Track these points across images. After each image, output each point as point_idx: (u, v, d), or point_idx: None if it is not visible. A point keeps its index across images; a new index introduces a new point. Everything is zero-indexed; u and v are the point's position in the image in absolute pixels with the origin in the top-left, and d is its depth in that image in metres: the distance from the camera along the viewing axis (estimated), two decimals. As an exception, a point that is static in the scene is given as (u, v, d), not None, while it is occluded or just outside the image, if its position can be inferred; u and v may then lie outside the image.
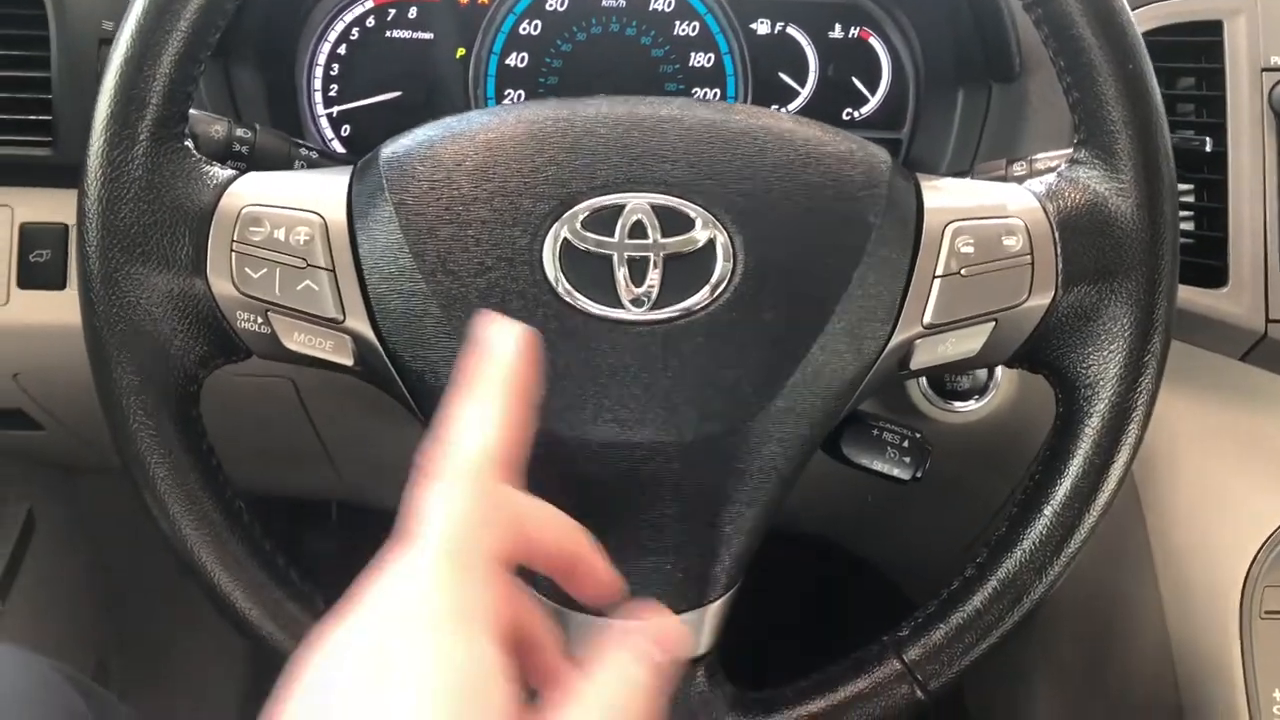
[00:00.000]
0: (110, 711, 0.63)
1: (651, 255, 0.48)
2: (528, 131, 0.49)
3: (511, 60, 0.80)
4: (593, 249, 0.48)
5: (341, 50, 0.80)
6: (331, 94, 0.81)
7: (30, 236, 0.74)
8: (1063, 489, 0.52)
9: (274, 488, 0.98)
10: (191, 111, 0.60)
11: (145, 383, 0.49)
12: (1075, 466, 0.51)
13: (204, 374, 0.51)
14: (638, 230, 0.48)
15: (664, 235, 0.48)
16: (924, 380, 0.76)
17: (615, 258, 0.47)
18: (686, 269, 0.48)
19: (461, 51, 0.80)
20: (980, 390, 0.76)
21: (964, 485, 0.86)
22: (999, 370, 0.75)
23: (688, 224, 0.48)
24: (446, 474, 0.35)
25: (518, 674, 0.34)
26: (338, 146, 0.81)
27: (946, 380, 0.76)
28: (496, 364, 0.38)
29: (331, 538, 1.22)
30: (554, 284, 0.47)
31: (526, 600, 0.38)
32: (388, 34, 0.80)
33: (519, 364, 0.38)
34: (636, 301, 0.47)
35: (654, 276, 0.48)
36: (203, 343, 0.50)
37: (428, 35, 0.80)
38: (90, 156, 0.48)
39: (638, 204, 0.48)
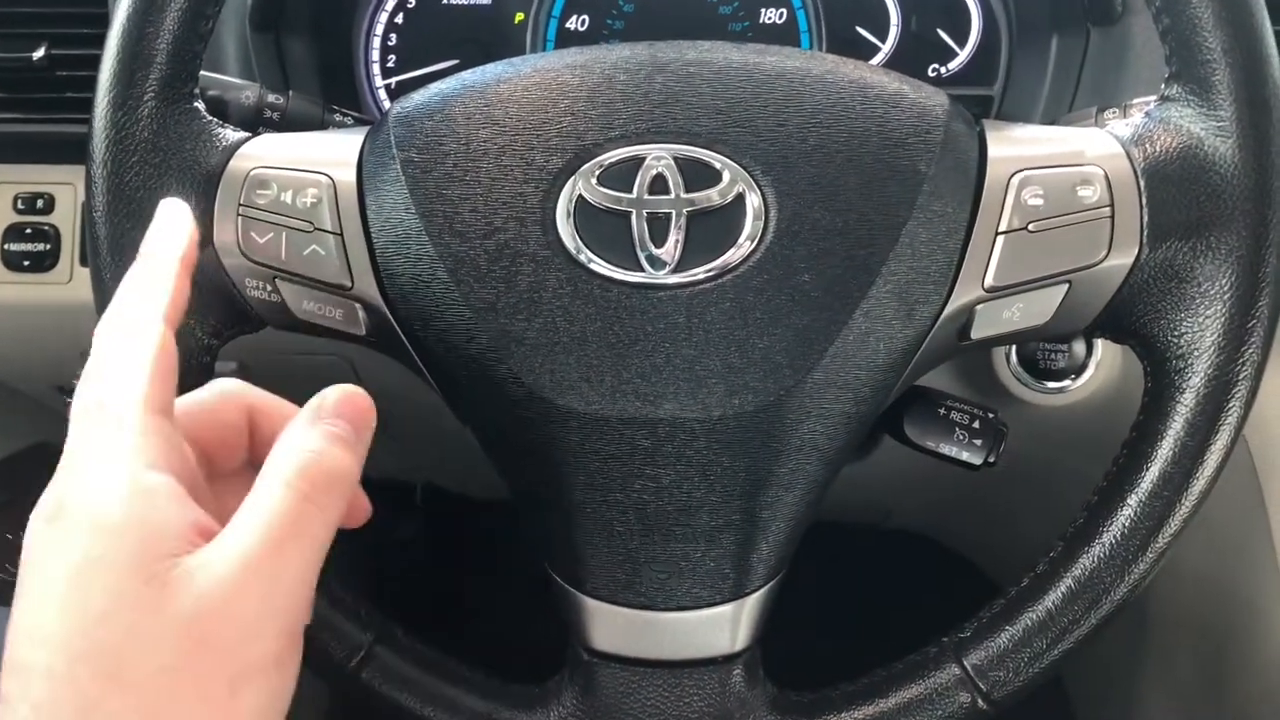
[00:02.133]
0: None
1: (673, 212, 0.43)
2: (541, 81, 0.45)
3: (571, 23, 0.77)
4: (610, 206, 0.44)
5: (399, 19, 0.78)
6: (389, 64, 0.79)
7: (92, 214, 0.74)
8: (1150, 475, 0.45)
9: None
10: (220, 77, 0.59)
11: None
12: (1165, 449, 0.45)
13: (218, 345, 0.50)
14: (659, 185, 0.43)
15: (687, 190, 0.43)
16: (1014, 358, 0.69)
17: (634, 215, 0.43)
18: (713, 227, 0.43)
19: (520, 16, 0.77)
20: (1078, 369, 0.69)
21: (1063, 474, 0.79)
22: (1099, 345, 0.68)
23: (714, 177, 0.43)
24: (97, 332, 0.39)
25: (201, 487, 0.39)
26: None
27: (1040, 357, 0.69)
28: (154, 231, 0.42)
29: (417, 519, 1.22)
30: (568, 245, 0.44)
31: (240, 407, 0.43)
32: (445, 0, 0.78)
33: (175, 229, 0.42)
34: (657, 263, 0.43)
35: (676, 235, 0.43)
36: (213, 312, 0.48)
37: (486, 1, 0.78)
38: (95, 119, 0.47)
39: (659, 156, 0.43)
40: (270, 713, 0.35)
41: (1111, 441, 0.68)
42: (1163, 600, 0.65)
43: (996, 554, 1.05)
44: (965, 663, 0.47)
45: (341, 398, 0.40)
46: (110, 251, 0.47)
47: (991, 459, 0.52)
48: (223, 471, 0.43)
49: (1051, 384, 0.70)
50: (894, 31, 0.76)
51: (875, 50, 0.76)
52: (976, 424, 0.52)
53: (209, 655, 0.33)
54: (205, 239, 0.47)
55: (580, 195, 0.44)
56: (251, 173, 0.47)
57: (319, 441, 0.38)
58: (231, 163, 0.47)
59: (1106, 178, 0.44)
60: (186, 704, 0.33)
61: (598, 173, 0.44)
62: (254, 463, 0.42)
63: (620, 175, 0.44)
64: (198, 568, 0.34)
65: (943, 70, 0.76)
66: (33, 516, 0.35)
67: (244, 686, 0.34)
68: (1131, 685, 0.84)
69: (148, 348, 0.38)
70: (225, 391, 0.43)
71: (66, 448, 0.36)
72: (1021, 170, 0.45)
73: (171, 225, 0.42)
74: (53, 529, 0.34)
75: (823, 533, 0.48)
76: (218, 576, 0.34)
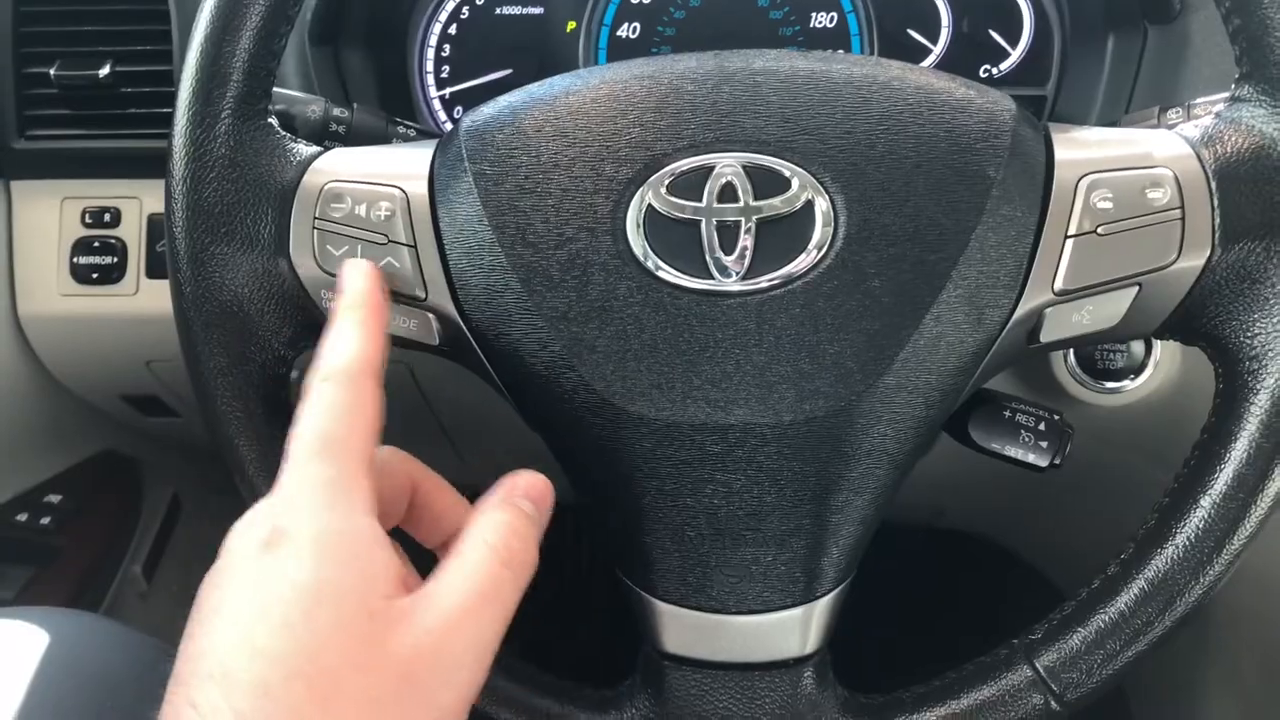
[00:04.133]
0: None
1: (742, 220, 0.44)
2: (610, 92, 0.46)
3: (623, 31, 0.78)
4: (679, 215, 0.44)
5: (453, 30, 0.79)
6: (444, 75, 0.80)
7: (157, 227, 0.76)
8: (1224, 476, 0.45)
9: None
10: (287, 92, 0.60)
11: (233, 364, 0.48)
12: (1239, 450, 0.45)
13: (293, 356, 0.51)
14: (728, 193, 0.44)
15: (756, 198, 0.44)
16: (1072, 358, 0.69)
17: (703, 224, 0.44)
18: (782, 234, 0.44)
19: (572, 25, 0.78)
20: (1137, 368, 0.69)
21: (1123, 475, 0.79)
22: (1158, 345, 0.68)
23: (783, 185, 0.44)
24: (314, 383, 0.41)
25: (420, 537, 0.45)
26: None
27: (1098, 358, 0.69)
28: (349, 292, 0.44)
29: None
30: (638, 254, 0.44)
31: (407, 475, 0.45)
32: (498, 10, 0.79)
33: (366, 288, 0.44)
34: (726, 271, 0.44)
35: (746, 243, 0.44)
36: (290, 324, 0.49)
37: (538, 10, 0.78)
38: (175, 136, 0.48)
39: (728, 165, 0.44)
40: None
41: (1170, 442, 0.68)
42: (1225, 599, 0.64)
43: (1050, 553, 1.04)
44: (1037, 664, 0.47)
45: (530, 481, 0.44)
46: (190, 265, 0.48)
47: (1057, 461, 0.52)
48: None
49: (1110, 384, 0.69)
50: (945, 33, 0.76)
51: (926, 52, 0.76)
52: (1042, 426, 0.52)
53: (415, 694, 0.36)
54: (281, 252, 0.48)
55: (650, 205, 0.44)
56: (326, 187, 0.48)
57: (515, 516, 0.41)
58: (306, 177, 0.48)
59: (1176, 179, 0.44)
60: None
61: (667, 182, 0.44)
62: (406, 529, 0.46)
63: (689, 184, 0.44)
64: (414, 612, 0.37)
65: (994, 71, 0.76)
66: (241, 541, 0.37)
67: None
68: (1192, 685, 0.84)
69: (361, 399, 0.41)
70: (396, 462, 0.46)
71: (284, 482, 0.39)
72: (1090, 173, 0.45)
73: (364, 282, 0.44)
74: (273, 554, 0.36)
75: (876, 532, 0.48)
76: (430, 623, 0.36)
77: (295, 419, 0.40)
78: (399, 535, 0.42)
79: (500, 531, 0.40)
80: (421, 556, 0.44)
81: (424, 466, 0.47)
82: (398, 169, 0.48)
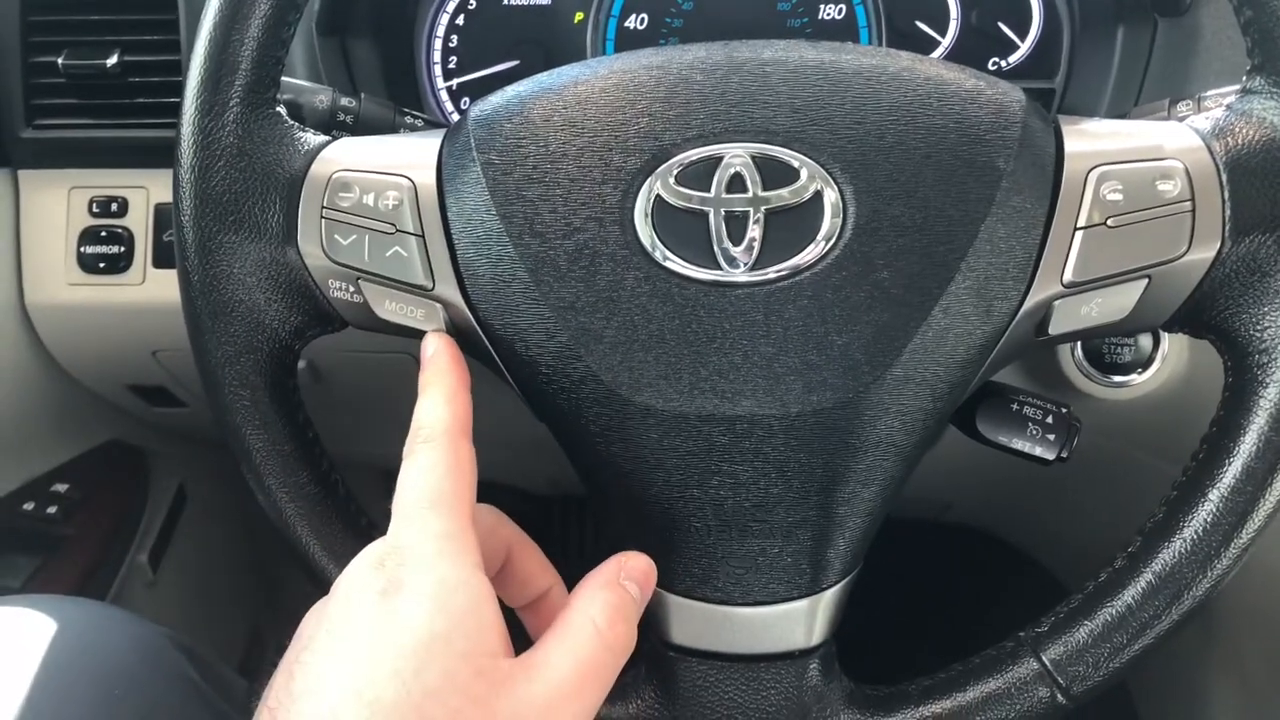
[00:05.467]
0: (226, 682, 0.64)
1: (751, 210, 0.44)
2: (619, 82, 0.46)
3: (631, 22, 0.77)
4: (687, 205, 0.44)
5: (460, 21, 0.79)
6: (451, 66, 0.80)
7: (164, 216, 0.76)
8: (1232, 470, 0.45)
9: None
10: (295, 82, 0.60)
11: (240, 353, 0.48)
12: (1248, 443, 0.45)
13: (300, 345, 0.51)
14: (736, 184, 0.44)
15: (765, 188, 0.44)
16: (1079, 351, 0.69)
17: (711, 214, 0.44)
18: (791, 225, 0.44)
19: (580, 16, 0.78)
20: (1145, 362, 0.69)
21: (1129, 469, 0.79)
22: (1165, 338, 0.68)
23: (791, 175, 0.44)
24: (416, 446, 0.42)
25: (505, 597, 0.46)
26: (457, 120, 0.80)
27: (1105, 351, 0.69)
28: (434, 363, 0.46)
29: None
30: (646, 244, 0.44)
31: (503, 534, 0.47)
32: (505, 1, 0.79)
33: (448, 358, 0.46)
34: (735, 261, 0.44)
35: (754, 234, 0.44)
36: (297, 313, 0.49)
37: (545, 1, 0.78)
38: (183, 125, 0.48)
39: (736, 155, 0.44)
40: None
41: (1177, 435, 0.68)
42: (1231, 594, 0.64)
43: (1057, 547, 1.04)
44: (1044, 657, 0.47)
45: (637, 563, 0.45)
46: (197, 254, 0.48)
47: (1065, 454, 0.52)
48: None
49: (1117, 378, 0.69)
50: (954, 25, 0.75)
51: (935, 44, 0.76)
52: (1050, 419, 0.52)
53: None
54: (289, 241, 0.48)
55: (658, 195, 0.44)
56: (334, 176, 0.48)
57: (621, 599, 0.42)
58: (314, 166, 0.48)
59: (1187, 172, 0.44)
60: None
61: (676, 172, 0.44)
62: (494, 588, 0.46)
63: (698, 175, 0.44)
64: (520, 678, 0.38)
65: (1003, 64, 0.76)
66: (358, 585, 0.38)
67: None
68: (1197, 681, 0.84)
69: (460, 459, 0.42)
70: (494, 522, 0.47)
71: (395, 535, 0.40)
72: (1100, 165, 0.44)
73: (448, 352, 0.47)
74: (391, 602, 0.37)
75: (882, 526, 0.48)
76: (534, 695, 0.37)
77: (400, 480, 0.41)
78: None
79: (607, 613, 0.41)
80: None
81: (517, 527, 0.48)
82: (405, 158, 0.48)
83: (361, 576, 0.39)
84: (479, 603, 0.38)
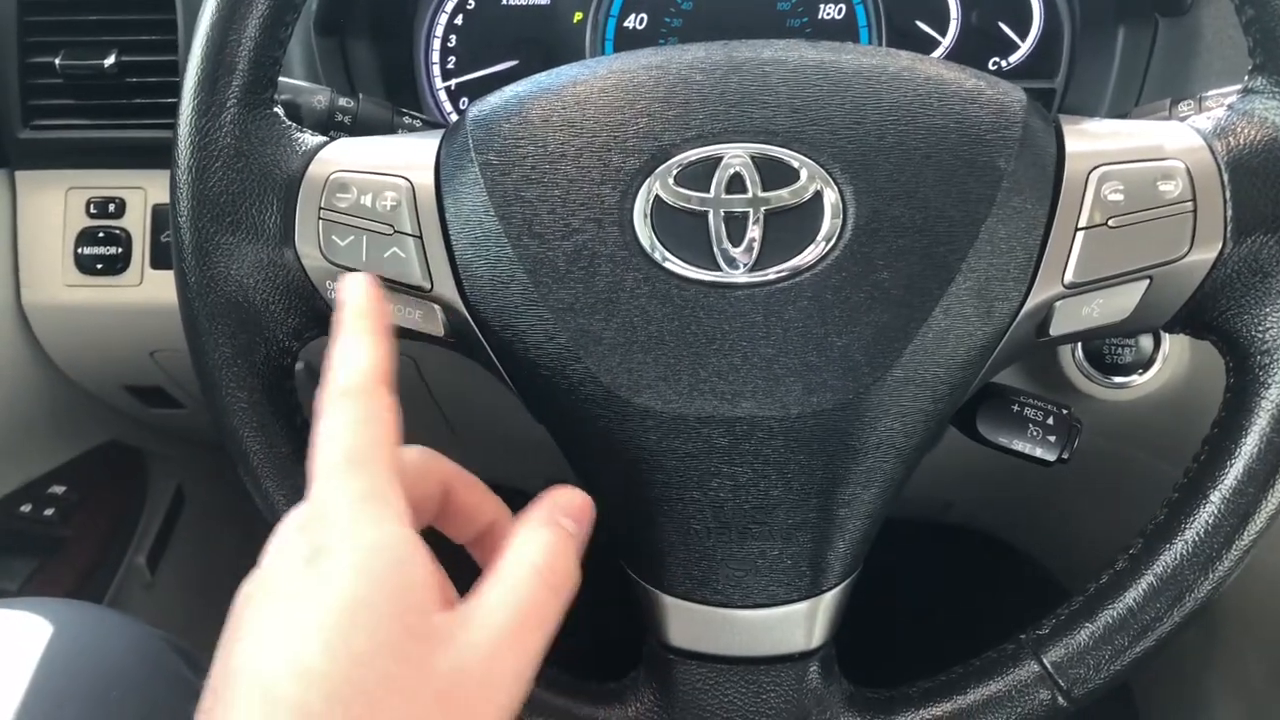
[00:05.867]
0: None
1: (750, 211, 0.43)
2: (618, 82, 0.45)
3: (630, 22, 0.77)
4: (687, 206, 0.44)
5: (459, 20, 0.79)
6: (450, 66, 0.79)
7: (161, 217, 0.76)
8: (1234, 471, 0.45)
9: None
10: (293, 82, 0.59)
11: (237, 355, 0.48)
12: (1250, 445, 0.44)
13: (298, 346, 0.50)
14: (736, 184, 0.44)
15: (765, 189, 0.43)
16: (1079, 352, 0.69)
17: (711, 215, 0.44)
18: (790, 225, 0.43)
19: (579, 16, 0.78)
20: (1145, 362, 0.69)
21: (1131, 470, 0.79)
22: (1167, 339, 0.67)
23: (791, 176, 0.43)
24: (329, 398, 0.40)
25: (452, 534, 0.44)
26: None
27: (1106, 351, 0.68)
28: (349, 305, 0.43)
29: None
30: (645, 245, 0.44)
31: (438, 475, 0.45)
32: (504, 1, 0.78)
33: (367, 299, 0.43)
34: (734, 262, 0.43)
35: (754, 234, 0.43)
36: (295, 314, 0.49)
37: (544, 0, 0.78)
38: (180, 125, 0.48)
39: (736, 155, 0.44)
40: None
41: (1179, 436, 0.68)
42: (1233, 596, 0.64)
43: (1057, 548, 1.04)
44: (1044, 660, 0.46)
45: (570, 498, 0.42)
46: (195, 255, 0.48)
47: (1065, 455, 0.52)
48: None
49: (1118, 378, 0.69)
50: (954, 25, 0.75)
51: (935, 44, 0.76)
52: (1050, 420, 0.52)
53: (455, 715, 0.35)
54: (287, 242, 0.48)
55: (657, 195, 0.44)
56: (331, 177, 0.48)
57: (559, 537, 0.40)
58: (311, 167, 0.48)
59: (1188, 172, 0.44)
60: None
61: (675, 173, 0.44)
62: (437, 526, 0.45)
63: (697, 175, 0.44)
64: (455, 630, 0.36)
65: (1003, 64, 0.75)
66: (281, 558, 0.37)
67: None
68: (1199, 684, 0.83)
69: (379, 410, 0.40)
70: (426, 463, 0.45)
71: (315, 497, 0.38)
72: (1101, 165, 0.44)
73: (363, 291, 0.43)
74: (315, 569, 0.36)
75: (882, 526, 0.48)
76: (474, 644, 0.36)
77: (317, 438, 0.39)
78: (431, 537, 0.42)
79: (544, 552, 0.39)
80: (455, 557, 0.43)
81: (453, 464, 0.46)
82: (403, 159, 0.48)
83: (286, 544, 0.37)
84: (403, 560, 0.36)
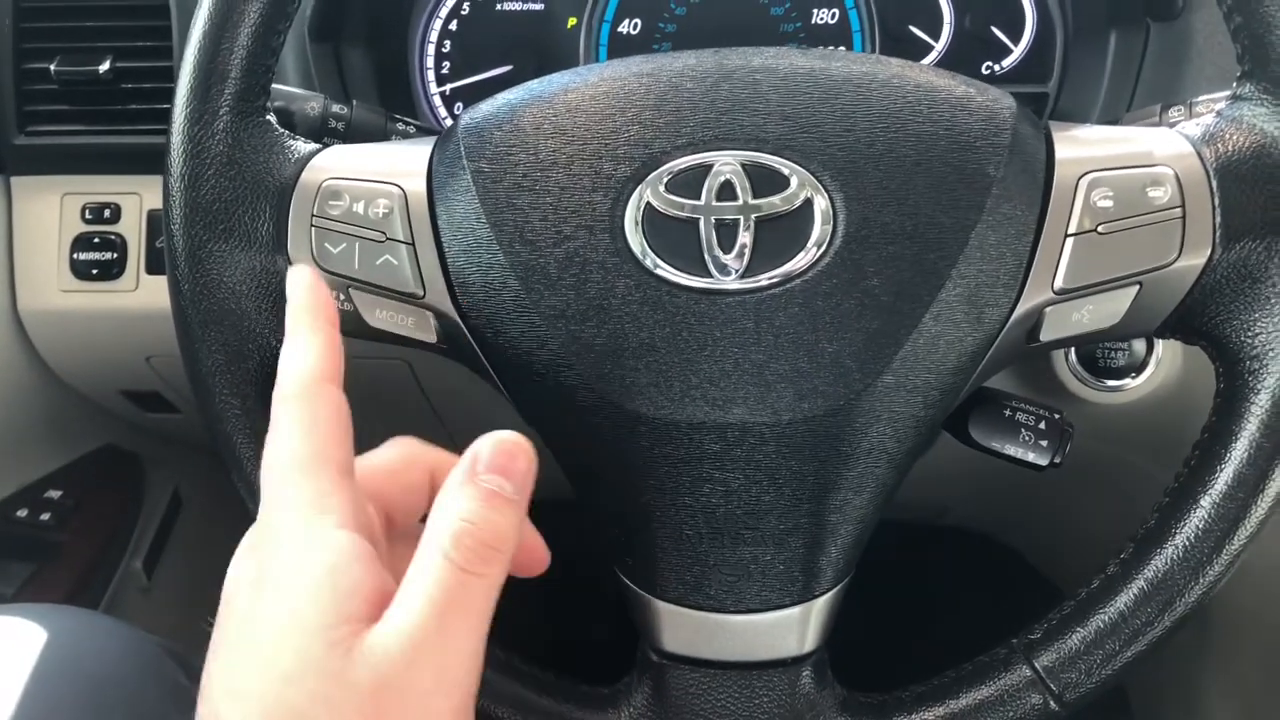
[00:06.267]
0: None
1: (741, 218, 0.44)
2: (609, 90, 0.46)
3: (624, 27, 0.77)
4: (678, 213, 0.44)
5: (453, 26, 0.79)
6: (444, 71, 0.80)
7: (157, 223, 0.76)
8: (1224, 476, 0.45)
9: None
10: (286, 89, 0.60)
11: (230, 362, 0.48)
12: (1239, 450, 0.45)
13: (291, 353, 0.50)
14: (726, 191, 0.44)
15: (755, 196, 0.44)
16: (1073, 356, 0.69)
17: (702, 222, 0.44)
18: (781, 232, 0.44)
19: (573, 21, 0.78)
20: (1138, 366, 0.69)
21: (1124, 474, 0.79)
22: (1159, 343, 0.68)
23: (782, 183, 0.44)
24: (274, 404, 0.39)
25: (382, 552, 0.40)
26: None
27: (1099, 356, 0.69)
28: (293, 303, 0.42)
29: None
30: (636, 252, 0.44)
31: (422, 465, 0.43)
32: (498, 6, 0.79)
33: (310, 296, 0.42)
34: (725, 269, 0.44)
35: (744, 241, 0.44)
36: None
37: (538, 6, 0.78)
38: (173, 133, 0.48)
39: (726, 163, 0.44)
40: None
41: (1171, 440, 0.68)
42: (1225, 600, 0.64)
43: (1050, 552, 1.04)
44: (1036, 664, 0.47)
45: (495, 450, 0.38)
46: (187, 262, 0.48)
47: (1057, 460, 0.52)
48: (403, 530, 0.44)
49: (1111, 382, 0.69)
50: (947, 30, 0.75)
51: (928, 49, 0.76)
52: (1042, 425, 0.52)
53: None
54: (279, 250, 0.48)
55: (648, 203, 0.44)
56: (324, 184, 0.48)
57: (474, 505, 0.37)
58: (304, 174, 0.48)
59: (1177, 178, 0.44)
60: None
61: (666, 180, 0.44)
62: None
63: (688, 182, 0.44)
64: (375, 641, 0.34)
65: (996, 68, 0.76)
66: (233, 582, 0.37)
67: None
68: (1192, 685, 0.83)
69: (325, 410, 0.38)
70: (408, 454, 0.44)
71: (262, 511, 0.37)
72: (1090, 172, 0.44)
73: (308, 291, 0.42)
74: (257, 593, 0.35)
75: (877, 529, 0.48)
76: (389, 653, 0.34)
77: (265, 447, 0.38)
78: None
79: (456, 530, 0.36)
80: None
81: (438, 450, 0.44)
82: (396, 166, 0.48)
83: (238, 568, 0.37)
84: (335, 568, 0.35)
